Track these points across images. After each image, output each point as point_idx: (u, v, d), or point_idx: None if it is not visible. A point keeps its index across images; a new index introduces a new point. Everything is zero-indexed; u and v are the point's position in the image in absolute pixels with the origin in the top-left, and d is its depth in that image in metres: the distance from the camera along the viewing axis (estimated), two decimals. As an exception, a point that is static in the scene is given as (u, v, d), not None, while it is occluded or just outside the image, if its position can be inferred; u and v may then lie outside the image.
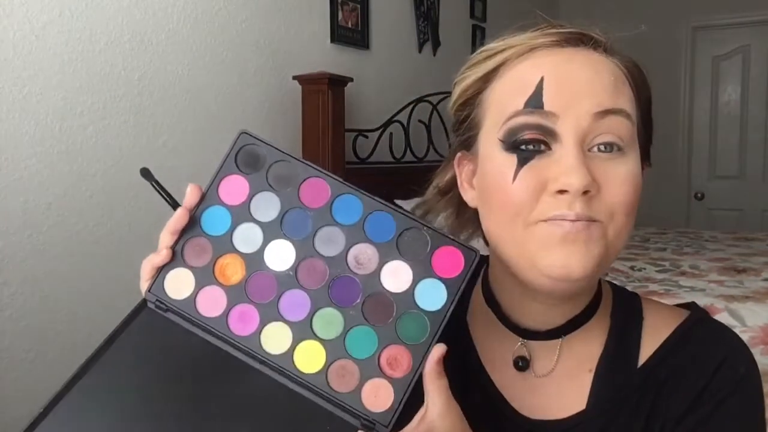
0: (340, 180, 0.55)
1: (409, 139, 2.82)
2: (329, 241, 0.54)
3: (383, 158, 2.68)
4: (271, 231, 0.54)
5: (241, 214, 0.55)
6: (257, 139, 0.56)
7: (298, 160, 0.56)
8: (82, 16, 1.74)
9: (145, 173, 0.54)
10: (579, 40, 0.56)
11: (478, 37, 3.67)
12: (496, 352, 0.63)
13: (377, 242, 0.53)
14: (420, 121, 2.92)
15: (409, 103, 2.84)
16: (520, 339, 0.61)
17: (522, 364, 0.61)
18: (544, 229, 0.52)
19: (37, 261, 1.65)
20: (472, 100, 0.60)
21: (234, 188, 0.55)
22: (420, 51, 3.19)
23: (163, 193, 0.57)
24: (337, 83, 2.35)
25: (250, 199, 0.55)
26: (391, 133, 2.71)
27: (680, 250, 2.81)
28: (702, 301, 1.91)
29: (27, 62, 1.62)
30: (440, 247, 0.53)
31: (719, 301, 1.90)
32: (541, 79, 0.53)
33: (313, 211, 0.54)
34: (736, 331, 0.65)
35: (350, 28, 2.71)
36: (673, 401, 0.59)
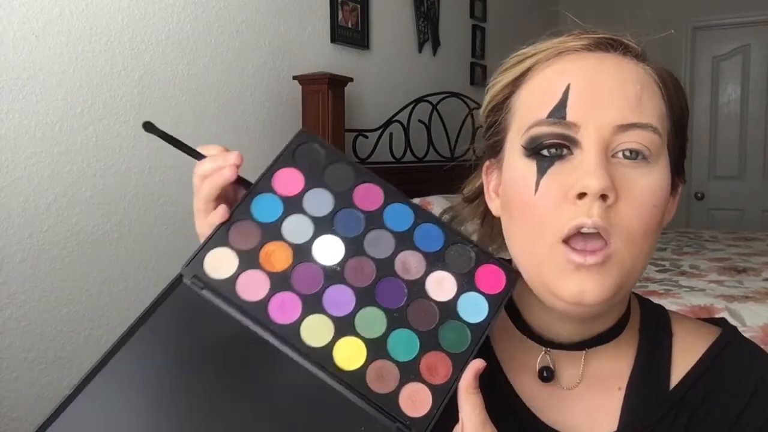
0: (394, 188, 0.56)
1: (409, 139, 2.82)
2: (378, 244, 0.54)
3: (383, 158, 2.68)
4: (322, 226, 0.55)
5: (294, 205, 0.55)
6: (317, 139, 0.57)
7: (355, 164, 0.57)
8: (82, 16, 1.74)
9: (148, 127, 0.51)
10: (609, 45, 0.55)
11: (478, 37, 3.67)
12: (519, 361, 0.61)
13: (425, 251, 0.54)
14: (420, 121, 2.92)
15: (409, 103, 2.84)
16: (543, 348, 0.60)
17: (547, 374, 0.59)
18: (561, 256, 0.51)
19: (37, 261, 1.65)
20: (501, 105, 0.59)
21: (289, 180, 0.56)
22: (420, 51, 3.19)
23: (175, 144, 0.54)
24: (337, 83, 2.35)
25: (304, 192, 0.55)
26: (391, 133, 2.71)
27: (680, 250, 2.81)
28: (702, 301, 1.91)
29: (27, 62, 1.62)
30: (484, 264, 0.55)
31: (719, 301, 1.90)
32: (567, 88, 0.53)
33: (365, 214, 0.55)
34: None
35: (350, 28, 2.71)
36: (709, 426, 0.58)
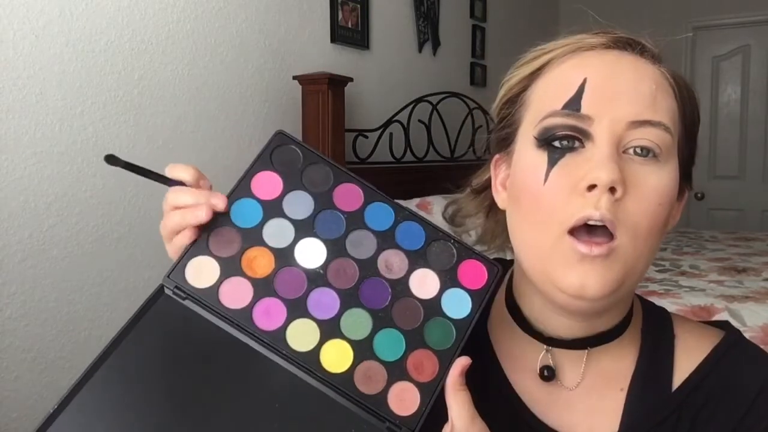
0: (373, 188, 0.56)
1: (409, 139, 2.82)
2: (360, 245, 0.54)
3: (383, 158, 2.68)
4: (303, 229, 0.54)
5: (273, 209, 0.54)
6: (293, 140, 0.57)
7: (333, 164, 0.56)
8: (82, 16, 1.74)
9: (111, 159, 0.51)
10: (627, 44, 0.56)
11: (478, 37, 3.67)
12: (519, 360, 0.61)
13: (407, 250, 0.54)
14: (420, 121, 2.92)
15: (409, 103, 2.84)
16: (545, 347, 0.59)
17: (548, 373, 0.59)
18: (566, 247, 0.51)
19: (37, 261, 1.65)
20: (516, 98, 0.59)
21: (267, 184, 0.55)
22: (420, 51, 3.19)
23: (142, 172, 0.54)
24: (337, 83, 2.35)
25: (284, 195, 0.55)
26: (391, 133, 2.71)
27: (680, 250, 2.81)
28: (702, 301, 1.91)
29: (27, 62, 1.62)
30: (465, 259, 0.54)
31: (719, 301, 1.90)
32: (583, 82, 0.53)
33: (345, 214, 0.55)
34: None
35: (350, 28, 2.71)
36: (712, 429, 0.57)
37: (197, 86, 2.06)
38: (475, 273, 0.54)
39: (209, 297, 0.52)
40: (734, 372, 0.59)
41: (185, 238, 0.53)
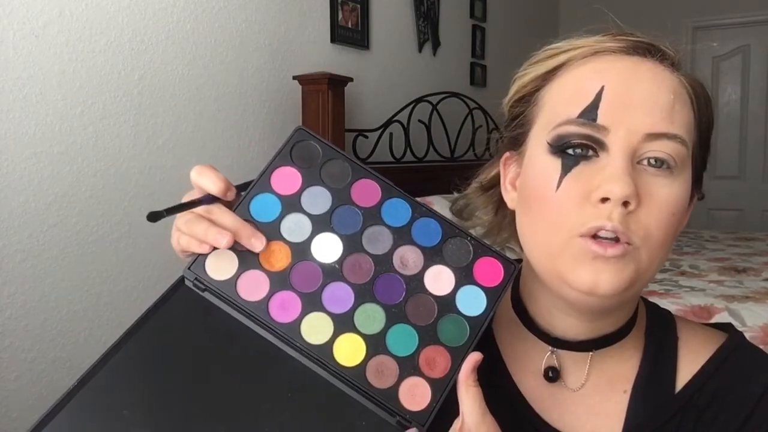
0: (391, 183, 0.57)
1: (409, 139, 2.82)
2: (376, 240, 0.55)
3: (383, 158, 2.68)
4: (320, 224, 0.55)
5: (292, 204, 0.56)
6: (313, 136, 0.58)
7: (352, 160, 0.57)
8: (82, 16, 1.74)
9: (154, 216, 0.52)
10: (647, 50, 0.55)
11: (478, 37, 3.67)
12: (524, 360, 0.61)
13: (423, 246, 0.55)
14: (420, 121, 2.92)
15: (409, 103, 2.84)
16: (550, 348, 0.60)
17: (552, 374, 0.59)
18: (578, 246, 0.51)
19: (37, 261, 1.65)
20: (529, 97, 0.59)
21: (286, 179, 0.56)
22: (420, 51, 3.19)
23: (184, 207, 0.55)
24: (337, 83, 2.35)
25: (302, 191, 0.56)
26: (391, 133, 2.71)
27: (680, 249, 2.81)
28: (702, 301, 1.91)
29: (27, 62, 1.62)
30: (482, 257, 0.55)
31: (719, 301, 1.90)
32: (601, 90, 0.52)
33: (362, 210, 0.55)
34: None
35: (350, 28, 2.71)
36: (715, 430, 0.57)
37: (197, 86, 2.06)
38: (491, 270, 0.54)
39: (227, 289, 0.53)
40: (737, 375, 0.59)
41: (194, 246, 0.53)
